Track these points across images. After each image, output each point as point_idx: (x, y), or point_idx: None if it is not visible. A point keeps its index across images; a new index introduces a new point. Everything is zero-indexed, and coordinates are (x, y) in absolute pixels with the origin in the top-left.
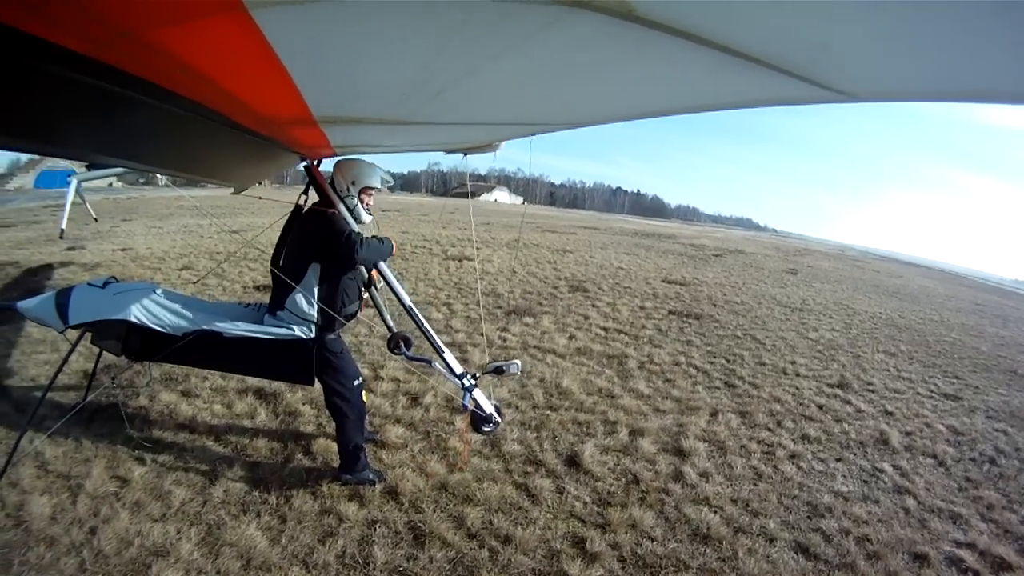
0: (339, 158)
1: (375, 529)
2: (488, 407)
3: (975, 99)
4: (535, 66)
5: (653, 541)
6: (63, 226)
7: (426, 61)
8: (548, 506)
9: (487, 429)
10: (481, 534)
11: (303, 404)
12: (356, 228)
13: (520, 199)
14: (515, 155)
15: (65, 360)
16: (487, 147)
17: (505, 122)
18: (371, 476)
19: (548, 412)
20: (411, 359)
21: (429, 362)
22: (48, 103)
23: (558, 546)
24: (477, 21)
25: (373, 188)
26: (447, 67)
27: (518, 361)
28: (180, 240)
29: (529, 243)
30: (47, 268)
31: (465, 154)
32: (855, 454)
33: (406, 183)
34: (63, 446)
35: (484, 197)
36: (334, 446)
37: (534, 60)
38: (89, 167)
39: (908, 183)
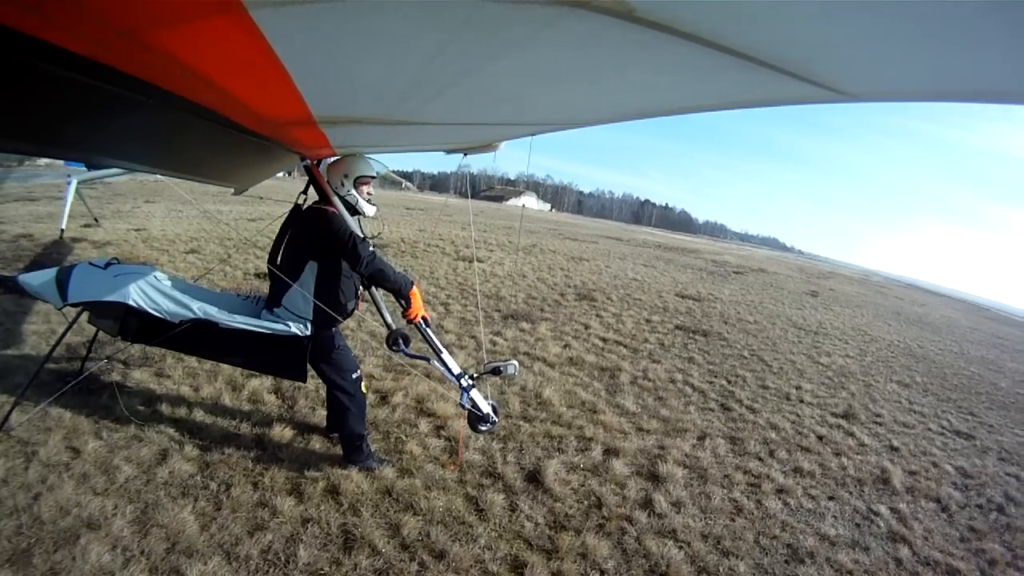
0: (330, 160)
1: (306, 528)
2: (485, 407)
3: (974, 99)
4: (535, 66)
5: (602, 574)
6: (63, 226)
7: (426, 62)
8: (495, 524)
9: (484, 428)
10: (415, 546)
11: (269, 393)
12: (357, 229)
13: (548, 205)
14: (544, 162)
15: (61, 337)
16: (487, 147)
17: (505, 122)
18: (373, 464)
19: (521, 423)
20: (409, 356)
21: (427, 360)
22: (48, 104)
23: (494, 568)
24: (477, 21)
25: (368, 177)
26: (447, 67)
27: (515, 362)
28: (196, 224)
29: (546, 249)
30: (58, 243)
31: (465, 154)
32: (850, 493)
33: (435, 183)
34: (28, 413)
35: (512, 202)
36: (290, 434)
37: (534, 60)
38: (88, 167)
39: (938, 212)
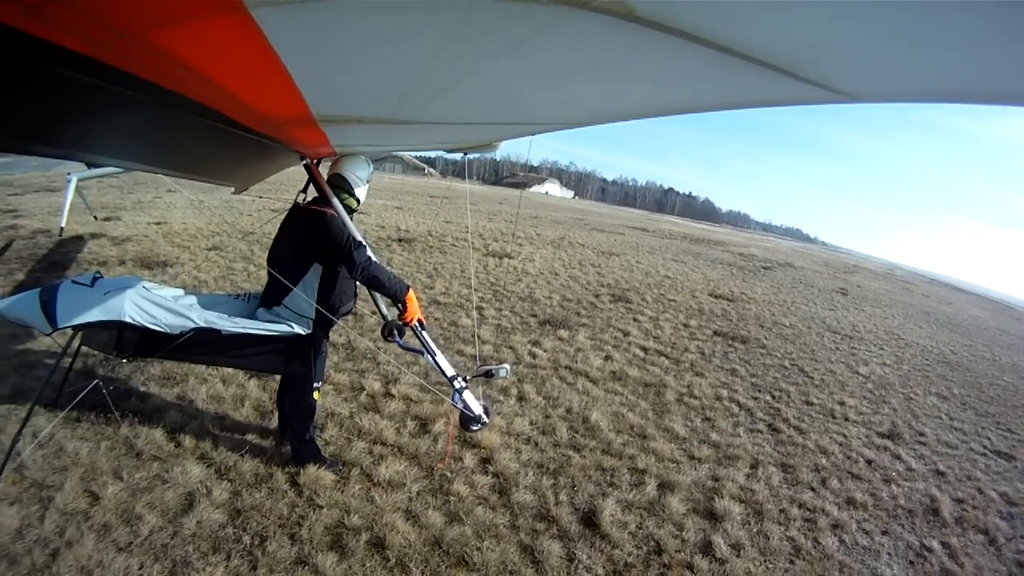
0: (339, 155)
1: None
2: (477, 408)
3: (976, 100)
4: (535, 66)
5: None
6: (62, 224)
7: (426, 61)
8: None
9: (475, 428)
10: None
11: None
12: (355, 230)
13: (572, 193)
14: (568, 148)
15: (58, 362)
16: (487, 147)
17: (505, 122)
18: (327, 458)
19: (570, 453)
20: (404, 348)
21: (421, 352)
22: (48, 103)
23: None
24: (477, 21)
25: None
26: (447, 67)
27: (507, 365)
28: (219, 216)
29: (575, 242)
30: (77, 240)
31: (465, 153)
32: (903, 526)
33: (459, 170)
34: (43, 448)
35: (535, 189)
36: (326, 475)
37: (534, 60)
38: (89, 166)
39: (962, 206)
